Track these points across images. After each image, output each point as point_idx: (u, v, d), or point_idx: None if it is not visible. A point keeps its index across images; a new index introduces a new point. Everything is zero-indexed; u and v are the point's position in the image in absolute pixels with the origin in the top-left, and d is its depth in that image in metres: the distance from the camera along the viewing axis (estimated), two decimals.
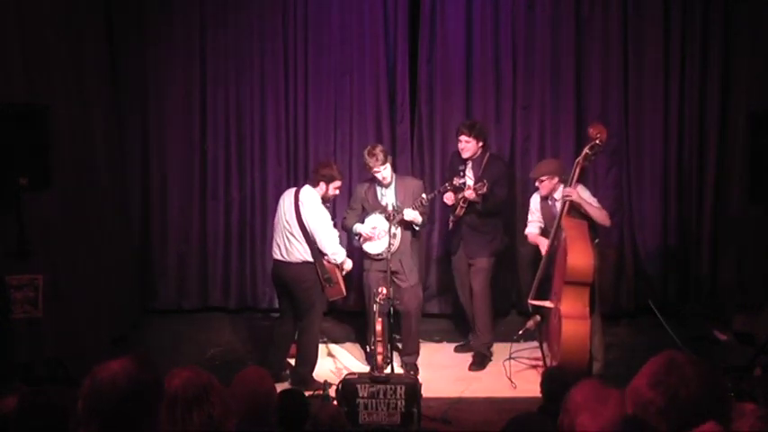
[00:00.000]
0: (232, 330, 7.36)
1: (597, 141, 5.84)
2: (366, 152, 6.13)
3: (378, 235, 6.13)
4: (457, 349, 6.85)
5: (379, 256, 6.10)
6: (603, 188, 7.33)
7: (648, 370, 1.86)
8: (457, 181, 6.12)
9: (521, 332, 6.23)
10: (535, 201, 6.32)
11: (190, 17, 7.45)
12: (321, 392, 5.67)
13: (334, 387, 5.46)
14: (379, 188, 6.23)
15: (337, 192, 6.16)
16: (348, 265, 6.18)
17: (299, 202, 5.97)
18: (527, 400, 5.19)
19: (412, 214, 6.07)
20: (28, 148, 5.47)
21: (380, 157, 6.03)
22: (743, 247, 7.20)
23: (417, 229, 6.28)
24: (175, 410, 2.58)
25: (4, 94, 5.67)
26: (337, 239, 6.06)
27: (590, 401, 2.55)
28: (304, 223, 5.93)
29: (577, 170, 5.91)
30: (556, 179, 6.06)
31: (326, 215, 5.99)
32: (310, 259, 5.95)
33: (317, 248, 5.95)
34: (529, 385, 5.87)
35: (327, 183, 5.98)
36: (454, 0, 7.35)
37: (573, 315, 5.74)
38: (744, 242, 7.18)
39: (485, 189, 6.07)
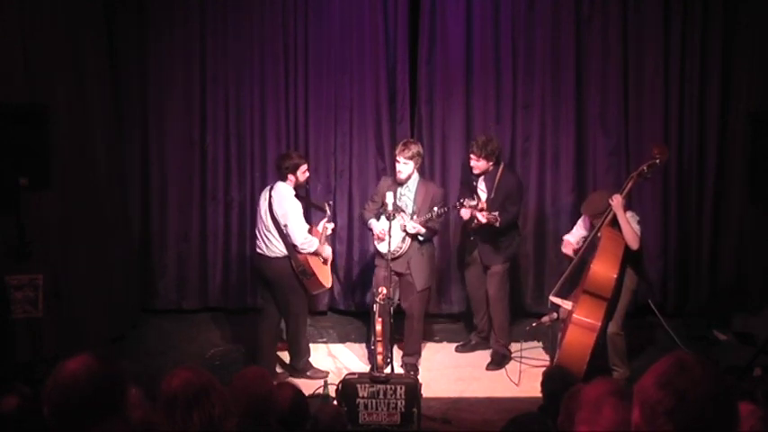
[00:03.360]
0: (232, 330, 7.35)
1: (657, 161, 5.85)
2: (403, 141, 6.23)
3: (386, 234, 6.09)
4: (457, 349, 6.84)
5: (389, 255, 6.08)
6: (602, 188, 7.31)
7: (657, 370, 1.85)
8: (467, 203, 6.05)
9: (534, 324, 6.22)
10: (585, 219, 6.25)
11: (190, 17, 7.44)
12: (321, 392, 5.67)
13: (334, 387, 5.46)
14: (399, 188, 6.17)
15: (307, 174, 6.19)
16: (326, 252, 6.20)
17: (272, 198, 6.02)
18: (527, 400, 5.20)
19: (414, 228, 6.03)
20: (28, 148, 5.48)
21: (407, 153, 6.04)
22: (743, 248, 7.19)
23: (421, 239, 6.22)
24: (175, 410, 2.58)
25: (4, 94, 5.68)
26: (306, 230, 6.05)
27: (589, 407, 2.54)
28: (276, 218, 5.97)
29: (630, 184, 5.93)
30: None
31: (297, 207, 6.02)
32: (287, 253, 6.00)
33: (291, 242, 5.98)
34: (529, 385, 5.88)
35: (293, 172, 6.03)
36: (454, 0, 7.35)
37: (582, 324, 5.77)
38: (744, 242, 7.17)
39: (497, 224, 5.99)
